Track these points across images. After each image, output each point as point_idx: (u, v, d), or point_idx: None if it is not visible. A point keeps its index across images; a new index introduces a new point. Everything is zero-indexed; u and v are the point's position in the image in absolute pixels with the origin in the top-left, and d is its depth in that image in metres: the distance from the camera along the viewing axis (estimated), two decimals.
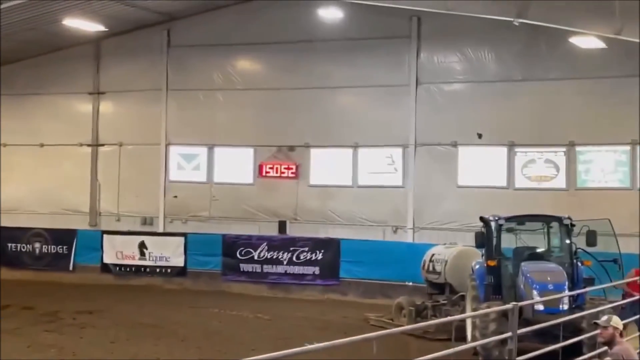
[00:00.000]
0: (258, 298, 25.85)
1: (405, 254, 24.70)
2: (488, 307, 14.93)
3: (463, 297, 18.61)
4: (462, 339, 15.86)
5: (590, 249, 17.16)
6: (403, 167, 26.26)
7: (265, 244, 27.27)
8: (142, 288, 27.55)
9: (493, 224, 16.99)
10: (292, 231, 27.52)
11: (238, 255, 27.49)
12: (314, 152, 27.51)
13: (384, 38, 26.54)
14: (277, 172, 27.63)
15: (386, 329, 16.15)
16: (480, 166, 25.36)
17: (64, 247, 29.94)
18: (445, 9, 21.19)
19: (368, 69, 26.64)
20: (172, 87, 29.19)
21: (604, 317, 9.54)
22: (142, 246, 28.84)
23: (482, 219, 17.47)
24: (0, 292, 23.84)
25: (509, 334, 10.40)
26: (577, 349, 13.06)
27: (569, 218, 16.87)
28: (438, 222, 25.57)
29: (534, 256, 16.92)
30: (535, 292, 15.31)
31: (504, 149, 25.06)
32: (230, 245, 27.65)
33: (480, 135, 25.29)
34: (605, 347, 9.59)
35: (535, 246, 17.63)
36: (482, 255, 17.29)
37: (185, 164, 29.25)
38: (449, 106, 25.79)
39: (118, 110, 30.66)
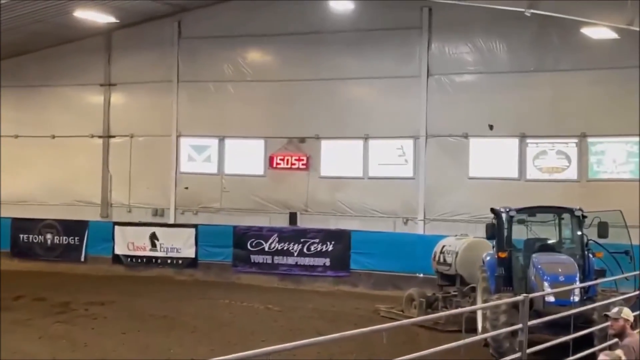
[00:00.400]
0: (268, 289, 25.86)
1: (415, 246, 24.69)
2: (499, 298, 14.89)
3: (474, 289, 18.60)
4: (472, 330, 15.85)
5: (601, 241, 17.04)
6: (414, 159, 26.21)
7: (275, 235, 27.28)
8: (153, 279, 27.60)
9: (504, 216, 16.94)
10: (303, 222, 27.52)
11: (249, 246, 27.51)
12: (324, 143, 27.47)
13: (394, 29, 26.45)
14: (287, 164, 27.61)
15: (397, 320, 16.16)
16: (492, 157, 25.27)
17: (76, 238, 30.04)
18: (456, 0, 21.10)
19: (378, 60, 26.56)
20: (182, 78, 29.22)
21: (615, 309, 9.52)
22: (153, 237, 28.90)
23: (493, 210, 17.44)
24: (13, 283, 23.99)
25: (520, 325, 10.39)
26: (587, 340, 13.02)
27: (581, 209, 16.79)
28: (449, 213, 25.53)
29: (545, 248, 16.85)
30: (546, 284, 15.27)
31: (515, 140, 24.97)
32: (241, 237, 27.67)
33: (491, 127, 25.18)
34: (616, 339, 9.56)
35: (547, 238, 17.54)
36: (493, 247, 17.27)
37: (196, 156, 29.27)
38: (460, 97, 25.71)
39: (129, 101, 30.72)
